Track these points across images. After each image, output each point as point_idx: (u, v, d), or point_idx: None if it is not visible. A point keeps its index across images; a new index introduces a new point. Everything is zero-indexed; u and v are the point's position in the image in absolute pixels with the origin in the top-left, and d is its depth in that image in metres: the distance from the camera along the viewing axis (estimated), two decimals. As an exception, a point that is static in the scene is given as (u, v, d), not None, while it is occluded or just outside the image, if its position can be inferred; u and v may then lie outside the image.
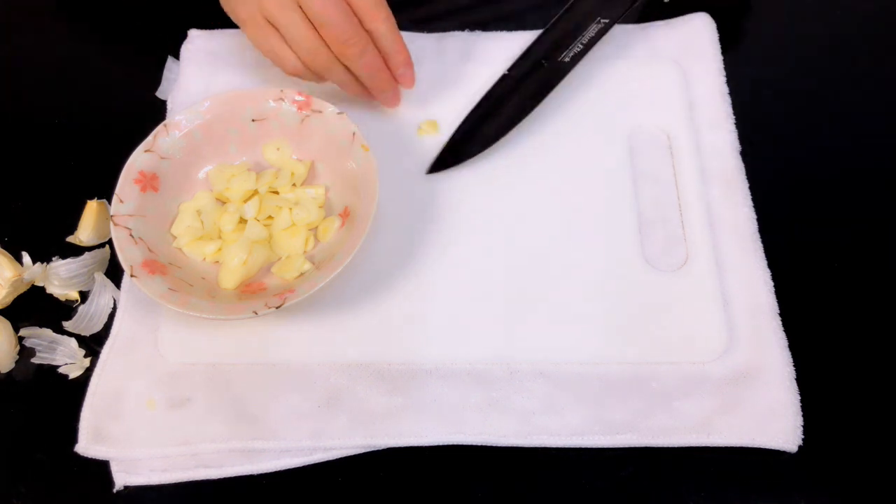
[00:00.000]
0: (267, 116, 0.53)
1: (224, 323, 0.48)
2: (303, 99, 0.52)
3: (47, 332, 0.49)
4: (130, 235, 0.48)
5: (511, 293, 0.49)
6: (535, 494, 0.44)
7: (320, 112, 0.52)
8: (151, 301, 0.49)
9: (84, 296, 0.51)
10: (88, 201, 0.53)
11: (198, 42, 0.61)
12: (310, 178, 0.53)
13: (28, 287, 0.51)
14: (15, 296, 0.50)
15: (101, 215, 0.53)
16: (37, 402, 0.47)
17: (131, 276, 0.46)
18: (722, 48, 0.59)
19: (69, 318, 0.50)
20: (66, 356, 0.48)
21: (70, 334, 0.49)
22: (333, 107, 0.52)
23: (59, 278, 0.50)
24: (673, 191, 0.53)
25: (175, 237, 0.51)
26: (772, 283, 0.49)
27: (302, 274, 0.49)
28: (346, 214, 0.51)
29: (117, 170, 0.50)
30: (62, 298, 0.51)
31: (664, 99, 0.57)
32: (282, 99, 0.52)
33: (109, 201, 0.54)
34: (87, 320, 0.49)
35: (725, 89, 0.57)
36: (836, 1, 0.64)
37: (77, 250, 0.52)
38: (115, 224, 0.48)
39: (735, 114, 0.56)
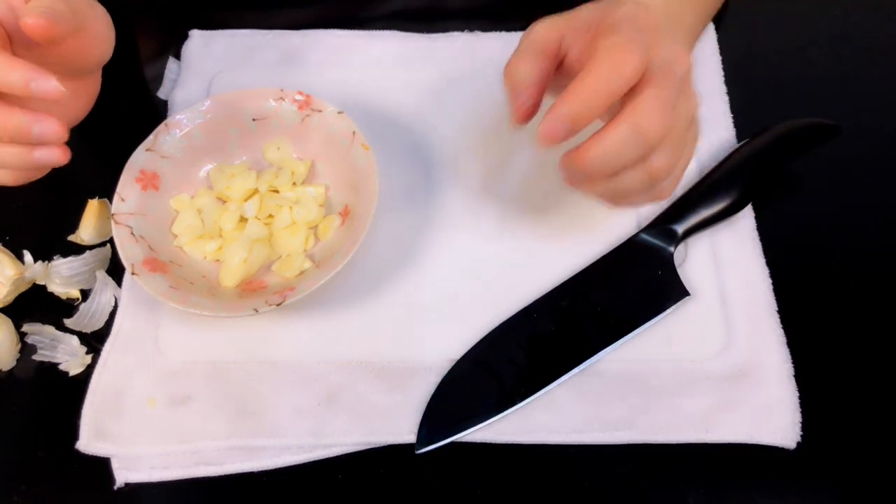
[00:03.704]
0: (267, 116, 0.53)
1: (225, 321, 0.49)
2: (303, 98, 0.52)
3: (49, 329, 0.49)
4: (131, 234, 0.48)
5: (511, 291, 0.49)
6: (535, 492, 0.44)
7: (320, 111, 0.52)
8: (152, 299, 0.49)
9: (85, 294, 0.51)
10: (90, 200, 0.53)
11: (198, 42, 0.61)
12: (310, 177, 0.53)
13: (30, 285, 0.51)
14: (16, 294, 0.50)
15: (103, 214, 0.53)
16: (38, 400, 0.47)
17: (132, 273, 0.46)
18: (720, 48, 0.59)
19: (70, 315, 0.50)
20: (67, 354, 0.48)
21: (71, 332, 0.49)
22: (333, 106, 0.52)
23: (61, 276, 0.50)
24: (672, 190, 0.53)
25: (176, 235, 0.51)
26: (770, 281, 0.49)
27: (302, 272, 0.49)
28: (346, 213, 0.51)
29: (118, 169, 0.50)
30: (63, 296, 0.51)
31: (663, 99, 0.57)
32: (282, 98, 0.53)
33: (111, 200, 0.54)
34: (88, 318, 0.49)
35: (724, 88, 0.57)
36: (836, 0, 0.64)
37: (78, 249, 0.52)
38: (117, 222, 0.48)
39: (732, 112, 0.56)
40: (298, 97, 0.52)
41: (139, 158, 0.51)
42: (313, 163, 0.53)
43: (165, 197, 0.51)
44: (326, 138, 0.52)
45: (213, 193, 0.52)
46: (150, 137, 0.51)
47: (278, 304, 0.44)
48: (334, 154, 0.52)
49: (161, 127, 0.52)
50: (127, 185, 0.50)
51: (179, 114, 0.52)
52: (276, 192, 0.52)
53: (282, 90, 0.53)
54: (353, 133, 0.51)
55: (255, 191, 0.52)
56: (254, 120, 0.53)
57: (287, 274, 0.49)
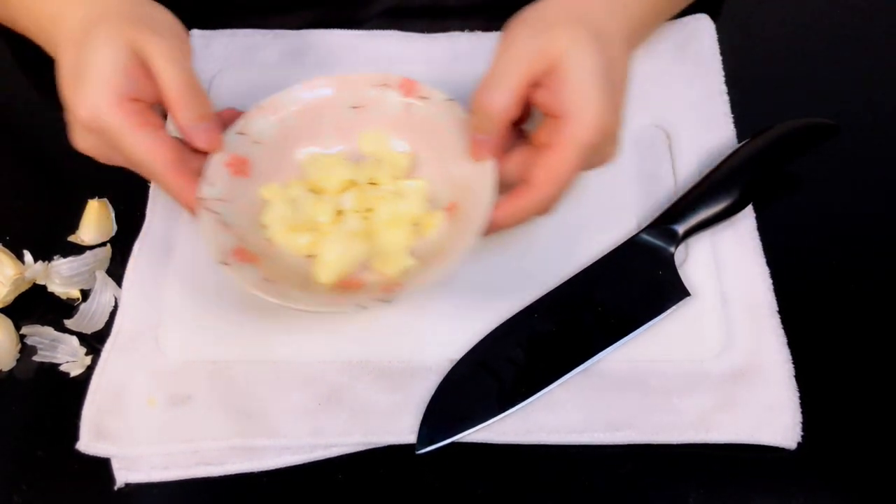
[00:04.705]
0: (367, 104, 0.50)
1: (225, 320, 0.48)
2: (408, 84, 0.49)
3: (49, 330, 0.49)
4: (221, 221, 0.45)
5: (511, 291, 0.49)
6: (535, 492, 0.44)
7: (427, 98, 0.49)
8: (153, 299, 0.49)
9: (85, 294, 0.51)
10: (90, 200, 0.53)
11: (198, 42, 0.61)
12: (410, 170, 0.50)
13: (30, 285, 0.51)
14: (16, 294, 0.50)
15: (103, 214, 0.53)
16: (38, 400, 0.47)
17: (222, 263, 0.43)
18: (720, 48, 0.59)
19: (70, 316, 0.50)
20: (67, 354, 0.48)
21: (71, 332, 0.49)
22: (443, 93, 0.49)
23: (61, 276, 0.50)
24: (673, 190, 0.53)
25: (265, 226, 0.48)
26: (770, 281, 0.49)
27: (405, 270, 0.46)
28: (452, 209, 0.48)
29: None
30: (63, 297, 0.51)
31: (663, 99, 0.57)
32: (385, 85, 0.50)
33: (111, 200, 0.54)
34: (88, 318, 0.49)
35: (724, 88, 0.57)
36: (836, 0, 0.64)
37: (78, 249, 0.52)
38: (205, 208, 0.45)
39: (732, 112, 0.56)
40: (404, 83, 0.49)
41: (231, 142, 0.48)
42: (414, 155, 0.50)
43: (255, 184, 0.48)
44: (431, 129, 0.49)
45: (306, 184, 0.49)
46: (242, 120, 0.49)
47: (386, 301, 0.42)
48: (439, 146, 0.49)
49: (253, 110, 0.49)
50: (216, 168, 0.46)
51: (273, 97, 0.49)
52: (375, 184, 0.49)
53: (385, 75, 0.50)
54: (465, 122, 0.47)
55: (353, 182, 0.49)
56: (353, 107, 0.50)
57: (388, 271, 0.46)
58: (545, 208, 0.44)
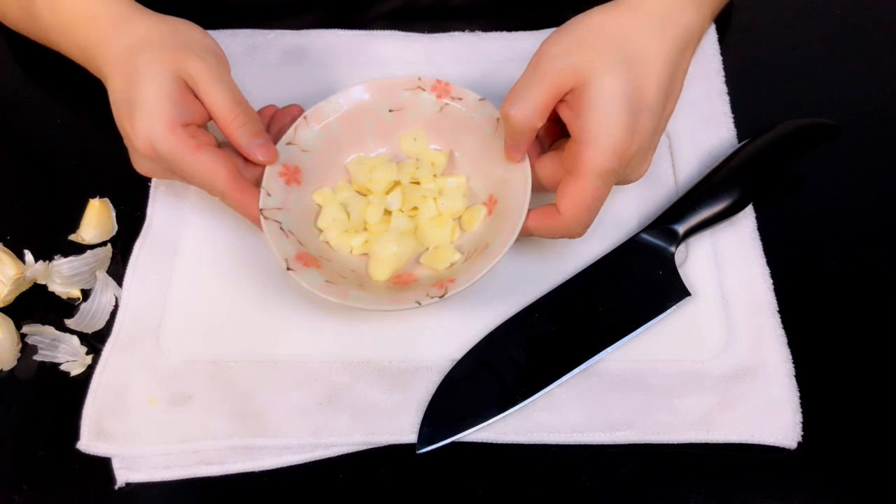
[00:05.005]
0: (404, 106, 0.52)
1: (225, 320, 0.48)
2: (442, 86, 0.52)
3: (49, 329, 0.49)
4: (281, 229, 0.48)
5: (512, 291, 0.49)
6: (536, 492, 0.44)
7: (461, 99, 0.51)
8: (153, 299, 0.49)
9: (86, 294, 0.51)
10: (90, 200, 0.53)
11: (199, 42, 0.61)
12: (448, 167, 0.53)
13: (30, 285, 0.51)
14: (17, 294, 0.50)
15: (104, 214, 0.53)
16: (39, 400, 0.47)
17: (287, 269, 0.45)
18: (721, 48, 0.60)
19: (71, 315, 0.50)
20: (67, 354, 0.48)
21: (72, 332, 0.49)
22: (475, 93, 0.51)
23: (62, 276, 0.50)
24: (673, 190, 0.53)
25: (321, 230, 0.50)
26: (770, 281, 0.49)
27: (452, 264, 0.48)
28: (491, 202, 0.50)
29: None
30: (64, 296, 0.51)
31: (663, 99, 0.57)
32: (420, 88, 0.52)
33: (112, 200, 0.54)
34: (88, 318, 0.49)
35: (724, 88, 0.57)
36: (836, 1, 0.64)
37: (79, 248, 0.52)
38: (266, 217, 0.47)
39: (733, 112, 0.56)
40: (437, 85, 0.52)
41: (282, 152, 0.50)
42: (451, 152, 0.53)
43: (307, 191, 0.51)
44: (465, 127, 0.51)
45: (352, 186, 0.52)
46: (291, 131, 0.51)
47: (441, 297, 0.44)
48: (475, 143, 0.51)
49: (300, 120, 0.51)
50: (271, 179, 0.49)
51: (317, 106, 0.51)
52: (417, 183, 0.52)
53: (419, 78, 0.52)
54: (497, 120, 0.49)
55: (398, 183, 0.51)
56: (390, 111, 0.52)
57: (438, 266, 0.48)
58: (573, 233, 0.45)
